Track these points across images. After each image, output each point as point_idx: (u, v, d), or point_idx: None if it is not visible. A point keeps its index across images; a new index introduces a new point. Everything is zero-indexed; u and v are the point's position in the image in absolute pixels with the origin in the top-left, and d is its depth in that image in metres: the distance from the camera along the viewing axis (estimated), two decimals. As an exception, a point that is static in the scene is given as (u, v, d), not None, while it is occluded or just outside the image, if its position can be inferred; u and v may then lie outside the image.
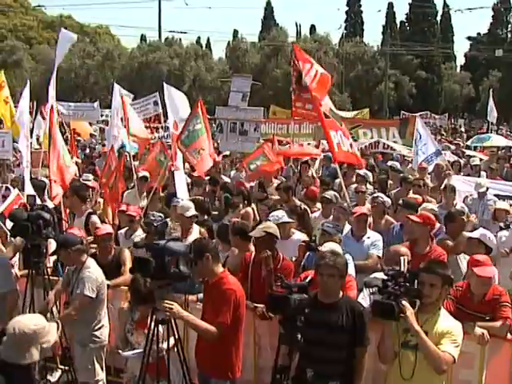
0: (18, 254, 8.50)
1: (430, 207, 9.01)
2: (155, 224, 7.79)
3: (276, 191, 11.12)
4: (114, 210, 10.66)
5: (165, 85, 11.42)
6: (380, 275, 5.43)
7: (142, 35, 71.18)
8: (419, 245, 7.61)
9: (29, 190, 10.54)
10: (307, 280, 5.76)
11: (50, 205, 10.25)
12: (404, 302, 4.93)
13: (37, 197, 10.06)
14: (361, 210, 8.57)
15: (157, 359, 5.48)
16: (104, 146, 19.91)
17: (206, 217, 9.60)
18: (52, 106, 10.60)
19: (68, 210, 10.44)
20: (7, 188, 11.76)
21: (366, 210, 8.93)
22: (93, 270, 6.75)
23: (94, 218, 9.24)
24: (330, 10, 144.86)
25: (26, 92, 13.96)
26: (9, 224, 8.70)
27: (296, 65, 15.77)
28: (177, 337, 5.55)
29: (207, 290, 5.91)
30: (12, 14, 77.04)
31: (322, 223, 7.60)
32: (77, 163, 15.79)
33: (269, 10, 73.13)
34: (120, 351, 6.37)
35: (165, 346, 5.65)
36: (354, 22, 71.46)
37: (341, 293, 5.48)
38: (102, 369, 6.90)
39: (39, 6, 72.61)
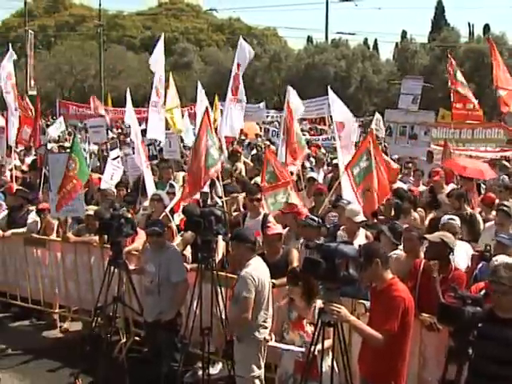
0: (188, 248, 8.79)
1: None
2: (328, 226, 7.80)
3: (448, 198, 10.74)
4: None
5: (329, 88, 11.48)
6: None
7: (309, 37, 72.03)
8: None
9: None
10: (482, 293, 5.49)
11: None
12: None
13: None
14: None
15: (310, 360, 5.50)
16: (271, 144, 20.28)
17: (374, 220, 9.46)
18: (207, 108, 10.96)
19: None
20: (171, 185, 12.40)
21: None
22: (250, 270, 6.75)
23: (271, 218, 9.19)
24: (506, 8, 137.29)
25: (202, 95, 14.34)
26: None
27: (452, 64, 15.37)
28: (341, 340, 5.51)
29: (375, 295, 5.83)
30: (184, 17, 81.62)
31: (498, 234, 7.20)
32: (245, 163, 16.24)
33: (439, 10, 70.95)
34: (271, 342, 6.46)
35: (318, 347, 5.51)
36: (532, 20, 67.47)
37: (519, 307, 5.14)
38: (261, 365, 6.91)
39: (211, 9, 75.97)
